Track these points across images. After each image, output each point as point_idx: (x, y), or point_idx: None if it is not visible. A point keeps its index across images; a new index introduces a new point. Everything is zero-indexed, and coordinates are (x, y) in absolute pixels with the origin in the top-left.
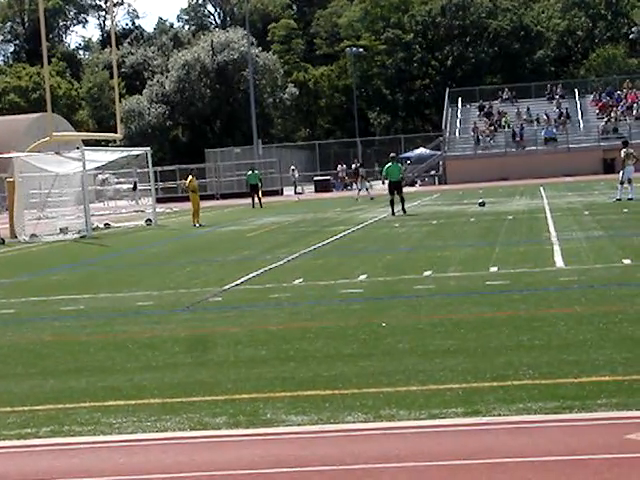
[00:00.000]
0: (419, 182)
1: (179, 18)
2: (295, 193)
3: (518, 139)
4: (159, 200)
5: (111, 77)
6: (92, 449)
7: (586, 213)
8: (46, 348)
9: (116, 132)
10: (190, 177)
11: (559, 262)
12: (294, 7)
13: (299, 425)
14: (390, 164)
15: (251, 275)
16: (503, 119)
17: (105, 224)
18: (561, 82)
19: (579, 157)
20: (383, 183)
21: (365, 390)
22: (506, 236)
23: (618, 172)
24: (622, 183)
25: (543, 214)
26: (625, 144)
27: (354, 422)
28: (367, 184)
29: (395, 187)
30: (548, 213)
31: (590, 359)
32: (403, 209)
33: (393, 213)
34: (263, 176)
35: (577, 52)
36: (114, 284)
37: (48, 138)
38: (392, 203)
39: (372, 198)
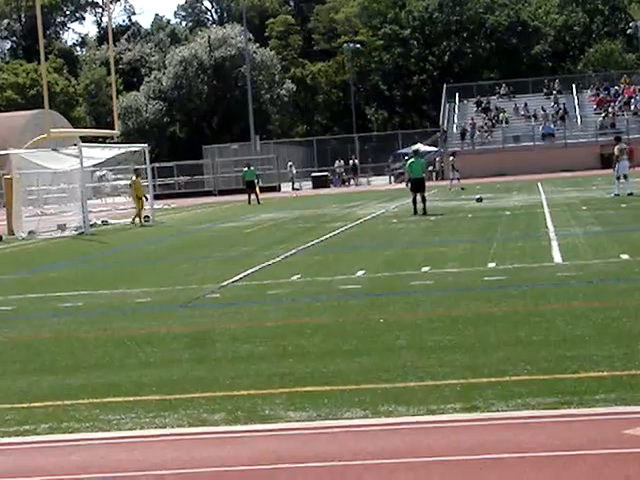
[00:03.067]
0: None
1: (176, 14)
2: (293, 189)
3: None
4: (157, 197)
5: (108, 74)
6: (91, 446)
7: (584, 208)
8: (44, 345)
9: (113, 129)
10: (133, 178)
11: (557, 258)
12: (291, 3)
13: (297, 421)
14: (413, 159)
15: (249, 271)
16: (501, 114)
17: (103, 221)
18: (558, 77)
19: (576, 152)
20: (408, 181)
21: (363, 386)
22: (504, 232)
23: (613, 167)
24: (618, 178)
25: (541, 210)
26: (618, 140)
27: (352, 418)
28: (457, 174)
29: (417, 184)
30: (546, 209)
31: (588, 354)
32: (424, 210)
33: (415, 212)
34: (261, 172)
35: (574, 47)
36: (112, 281)
37: (45, 135)
38: (415, 202)
39: (463, 188)
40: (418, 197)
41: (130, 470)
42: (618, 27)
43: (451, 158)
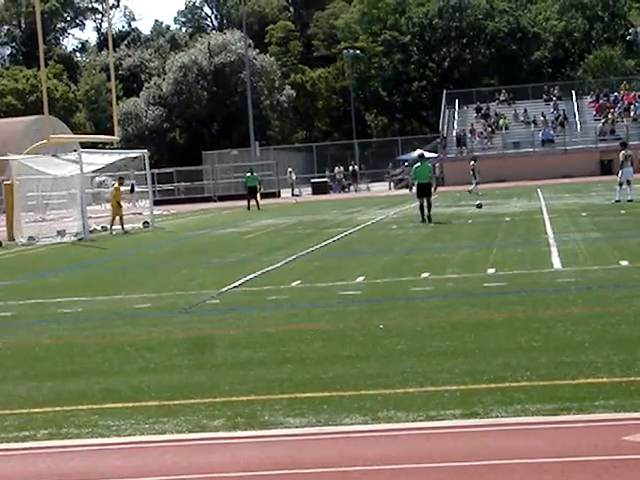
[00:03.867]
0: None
1: (176, 20)
2: (292, 195)
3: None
4: (156, 202)
5: (108, 79)
6: (90, 451)
7: (583, 214)
8: (44, 351)
9: (113, 134)
10: (115, 184)
11: (556, 264)
12: (291, 9)
13: (297, 427)
14: (419, 164)
15: (249, 277)
16: (500, 121)
17: (102, 226)
18: (558, 84)
19: (576, 159)
20: (411, 187)
21: (363, 392)
22: (503, 238)
23: (616, 173)
24: (621, 184)
25: (540, 216)
26: (624, 145)
27: (352, 424)
28: (478, 178)
29: (424, 190)
30: (545, 215)
31: (588, 361)
32: (429, 217)
33: (423, 219)
34: (260, 178)
35: (574, 53)
36: (112, 286)
37: (45, 140)
38: (422, 209)
39: (469, 191)
40: (425, 203)
41: (129, 476)
42: (618, 33)
43: (472, 163)
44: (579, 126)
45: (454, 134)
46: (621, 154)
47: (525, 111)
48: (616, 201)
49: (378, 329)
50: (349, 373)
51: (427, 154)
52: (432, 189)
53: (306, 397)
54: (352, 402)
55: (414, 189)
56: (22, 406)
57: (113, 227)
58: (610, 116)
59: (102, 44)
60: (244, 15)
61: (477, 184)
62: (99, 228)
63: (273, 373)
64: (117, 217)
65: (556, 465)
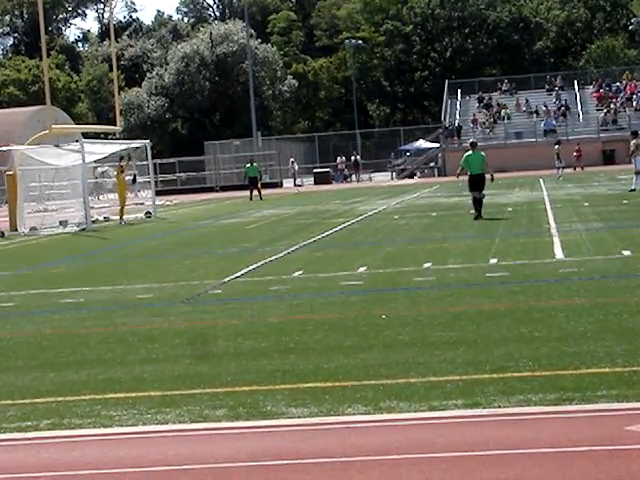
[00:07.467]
0: (418, 174)
1: (178, 10)
2: (295, 185)
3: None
4: (158, 193)
5: (110, 70)
6: (92, 442)
7: (586, 204)
8: (46, 341)
9: (115, 125)
10: (121, 165)
11: (559, 254)
12: None
13: (299, 417)
14: (470, 152)
15: (251, 267)
16: (503, 111)
17: (105, 217)
18: (560, 73)
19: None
20: (458, 175)
21: (365, 382)
22: (506, 228)
23: (618, 163)
24: (637, 173)
25: (543, 206)
26: (635, 134)
27: (354, 414)
28: (562, 162)
29: (476, 182)
30: (548, 205)
31: (590, 351)
32: (479, 212)
33: (478, 214)
34: (262, 168)
35: (576, 43)
36: (114, 277)
37: (47, 131)
38: (475, 202)
39: (560, 177)
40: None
41: (131, 466)
42: (620, 23)
43: (556, 147)
44: (581, 116)
45: (456, 124)
46: (632, 143)
47: (527, 101)
48: (631, 190)
49: (380, 319)
50: (351, 363)
51: (430, 144)
52: (485, 181)
53: (308, 387)
54: (354, 392)
55: (460, 177)
56: (24, 396)
57: (117, 217)
58: (612, 106)
59: (104, 34)
60: (246, 5)
61: (563, 168)
62: (101, 218)
63: (275, 363)
64: (123, 205)
65: (559, 455)
